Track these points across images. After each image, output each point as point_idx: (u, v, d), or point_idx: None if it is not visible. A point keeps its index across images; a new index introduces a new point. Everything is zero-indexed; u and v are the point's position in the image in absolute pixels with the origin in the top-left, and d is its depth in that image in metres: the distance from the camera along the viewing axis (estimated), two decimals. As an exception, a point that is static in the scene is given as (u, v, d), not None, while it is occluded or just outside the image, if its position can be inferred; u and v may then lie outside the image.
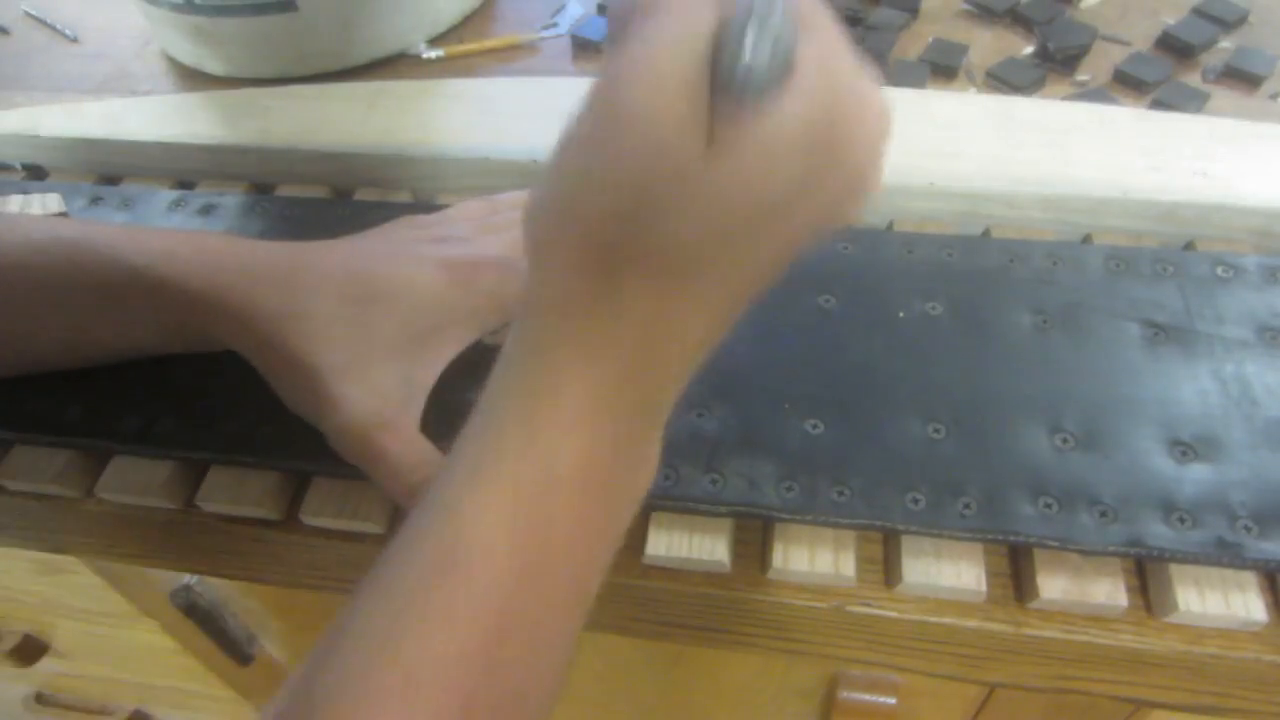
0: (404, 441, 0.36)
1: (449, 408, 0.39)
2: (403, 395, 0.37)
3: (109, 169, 0.57)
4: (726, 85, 0.23)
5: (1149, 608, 0.36)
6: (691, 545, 0.37)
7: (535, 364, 0.27)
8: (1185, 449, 0.37)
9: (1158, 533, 0.35)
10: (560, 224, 0.25)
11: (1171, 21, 0.59)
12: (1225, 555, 0.34)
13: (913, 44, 0.60)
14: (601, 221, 0.24)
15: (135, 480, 0.41)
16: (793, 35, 0.24)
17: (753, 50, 0.23)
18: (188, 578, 0.59)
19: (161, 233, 0.41)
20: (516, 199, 0.45)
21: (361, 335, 0.37)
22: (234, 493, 0.40)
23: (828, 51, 0.24)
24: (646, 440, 0.29)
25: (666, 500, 0.37)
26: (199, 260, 0.38)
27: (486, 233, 0.42)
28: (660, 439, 0.30)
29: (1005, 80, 0.56)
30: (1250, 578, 0.35)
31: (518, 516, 0.25)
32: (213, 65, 0.63)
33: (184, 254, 0.38)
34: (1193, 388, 0.39)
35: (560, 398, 0.26)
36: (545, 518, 0.26)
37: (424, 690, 0.23)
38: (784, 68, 0.23)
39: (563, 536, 0.26)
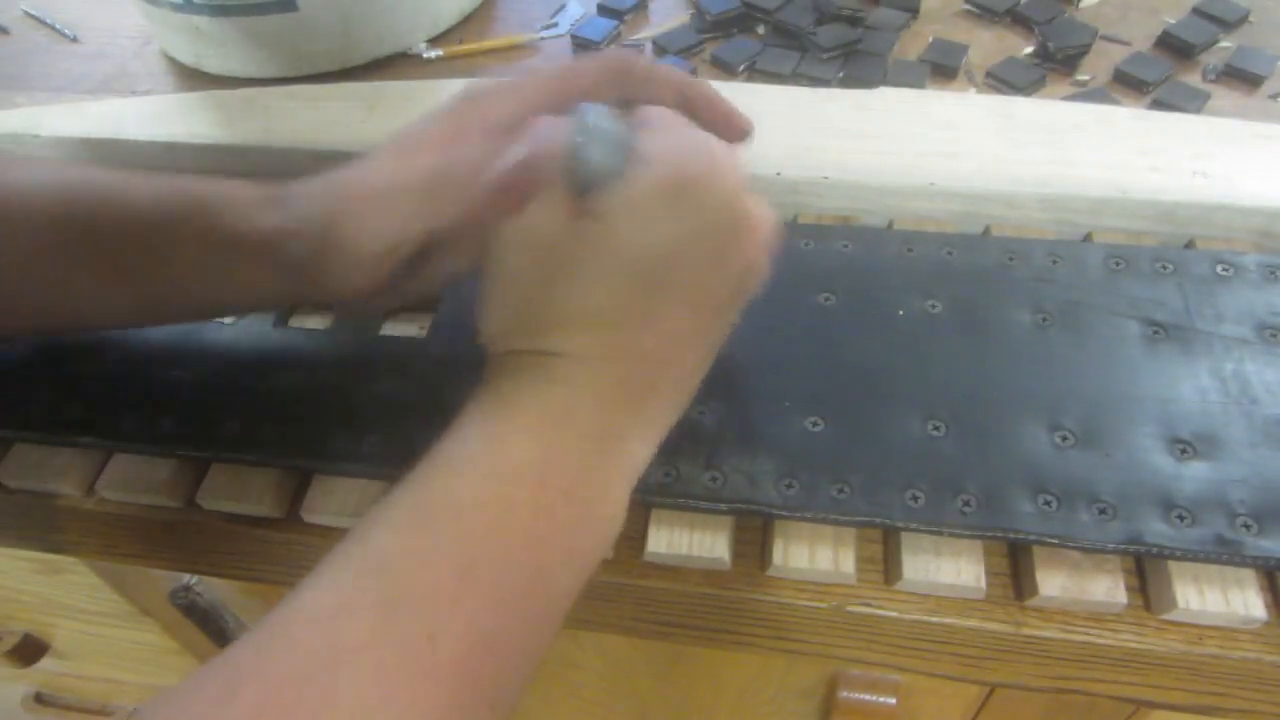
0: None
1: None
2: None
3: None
4: (575, 188, 0.30)
5: (1148, 605, 0.36)
6: (691, 542, 0.37)
7: (493, 390, 0.31)
8: (1185, 447, 0.37)
9: (1157, 530, 0.35)
10: (492, 308, 0.32)
11: (1171, 21, 0.59)
12: (1224, 553, 0.34)
13: (913, 44, 0.60)
14: (514, 298, 0.31)
15: (136, 478, 0.41)
16: (625, 139, 0.30)
17: (594, 161, 0.29)
18: (188, 578, 0.59)
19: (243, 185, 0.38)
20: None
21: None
22: (235, 490, 0.40)
23: (670, 138, 0.30)
24: (606, 471, 0.32)
25: (666, 498, 0.37)
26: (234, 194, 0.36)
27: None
28: (630, 486, 0.33)
29: (1005, 80, 0.56)
30: (1249, 575, 0.35)
31: (480, 493, 0.29)
32: (213, 65, 0.63)
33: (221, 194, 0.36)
34: (1192, 386, 0.39)
35: (514, 410, 0.30)
36: (506, 500, 0.29)
37: (395, 619, 0.26)
38: (623, 162, 0.30)
39: (523, 522, 0.29)
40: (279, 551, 0.42)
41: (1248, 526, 0.35)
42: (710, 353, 0.35)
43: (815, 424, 0.39)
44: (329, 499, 0.40)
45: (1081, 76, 0.57)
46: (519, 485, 0.29)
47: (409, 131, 0.36)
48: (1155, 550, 0.34)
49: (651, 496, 0.37)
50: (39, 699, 0.88)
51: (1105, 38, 0.59)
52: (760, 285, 0.34)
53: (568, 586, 0.30)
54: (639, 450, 0.33)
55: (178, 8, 0.59)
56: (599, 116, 0.30)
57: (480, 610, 0.27)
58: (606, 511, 0.32)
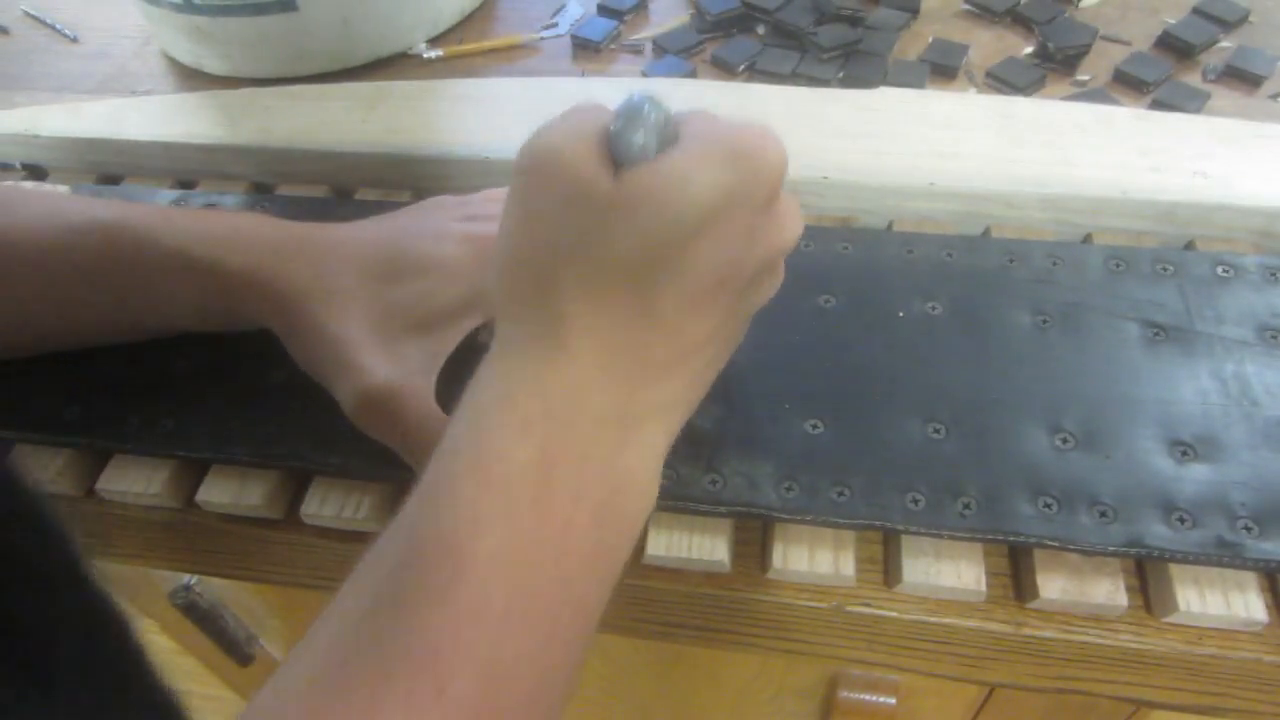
0: (421, 406, 0.36)
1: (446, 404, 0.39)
2: (422, 364, 0.37)
3: (109, 169, 0.57)
4: (621, 164, 0.28)
5: (1149, 608, 0.36)
6: (691, 545, 0.37)
7: (489, 380, 0.29)
8: (1185, 449, 0.37)
9: (1157, 533, 0.35)
10: (508, 264, 0.29)
11: (1171, 21, 0.59)
12: (1225, 555, 0.34)
13: (913, 44, 0.60)
14: (536, 249, 0.28)
15: (135, 479, 0.41)
16: (669, 121, 0.29)
17: (636, 144, 0.28)
18: (188, 578, 0.59)
19: (196, 213, 0.42)
20: None
21: (384, 309, 0.37)
22: (234, 492, 0.40)
23: (709, 121, 0.29)
24: (624, 459, 0.29)
25: (666, 500, 0.37)
26: (233, 241, 0.39)
27: None
28: (656, 470, 0.31)
29: (1005, 80, 0.56)
30: (1250, 578, 0.35)
31: (478, 513, 0.26)
32: (213, 65, 0.63)
33: (218, 235, 0.39)
34: (1193, 387, 0.39)
35: (513, 401, 0.28)
36: (507, 515, 0.26)
37: (394, 682, 0.24)
38: (667, 141, 0.29)
39: (531, 536, 0.27)
40: (279, 551, 0.42)
41: (1248, 529, 0.35)
42: (727, 346, 0.33)
43: (815, 426, 0.38)
44: (328, 499, 0.40)
45: (1081, 76, 0.57)
46: (519, 495, 0.27)
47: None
48: (1156, 553, 0.34)
49: (651, 498, 0.37)
50: (39, 698, 0.87)
51: (1105, 38, 0.59)
52: (775, 291, 0.33)
53: (596, 593, 0.29)
54: (657, 436, 0.30)
55: (178, 8, 0.59)
56: (646, 103, 0.29)
57: (495, 645, 0.25)
58: (630, 505, 0.30)
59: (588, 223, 0.28)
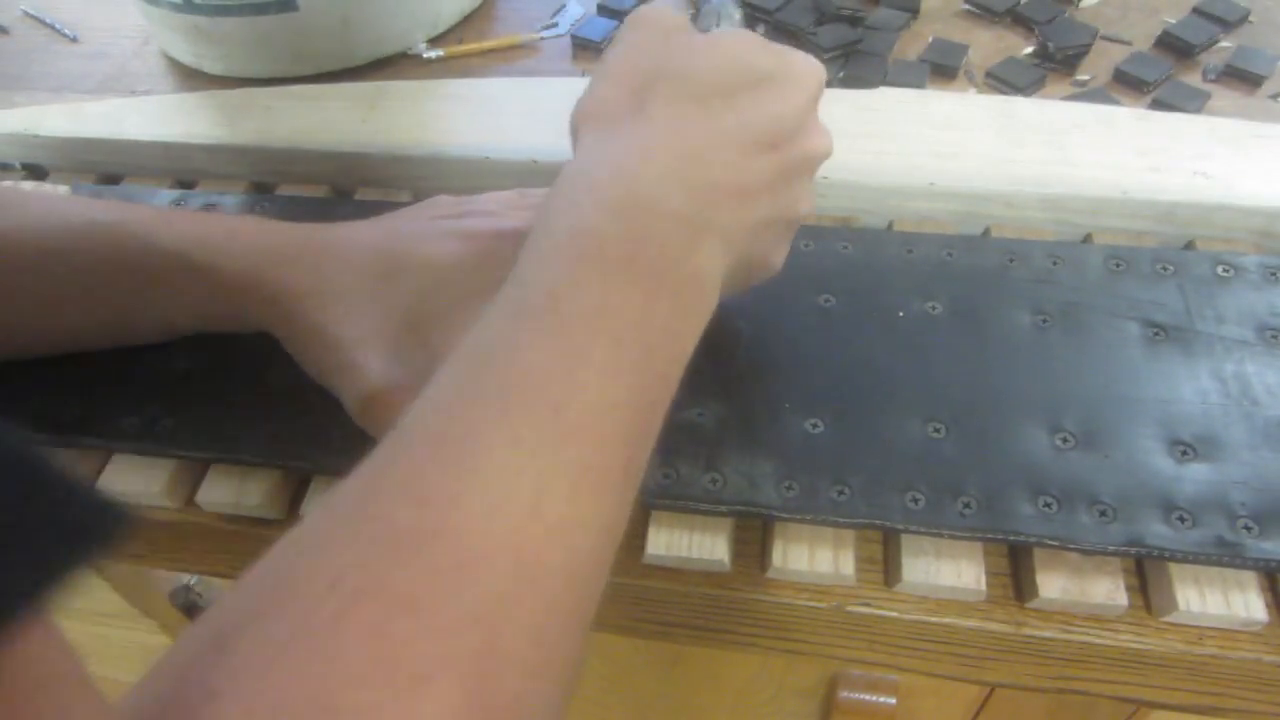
0: None
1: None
2: (424, 363, 0.38)
3: (109, 169, 0.57)
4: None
5: (1149, 607, 0.36)
6: (691, 544, 0.37)
7: (575, 174, 0.32)
8: (1185, 448, 0.37)
9: (1157, 532, 0.35)
10: (608, 79, 0.35)
11: (1172, 21, 0.59)
12: (1225, 555, 0.34)
13: (913, 44, 0.60)
14: (636, 66, 0.34)
15: (135, 480, 0.41)
16: (739, 12, 0.40)
17: (722, 17, 0.39)
18: (188, 578, 0.59)
19: (196, 216, 0.42)
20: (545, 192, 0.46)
21: (384, 308, 0.38)
22: (234, 492, 0.40)
23: None
24: (694, 258, 0.32)
25: (666, 499, 0.37)
26: (232, 244, 0.39)
27: (514, 210, 0.43)
28: (717, 281, 0.33)
29: (1005, 80, 0.56)
30: (1250, 577, 0.35)
31: (575, 277, 0.30)
32: (212, 65, 0.63)
33: (218, 238, 0.39)
34: (1193, 387, 0.39)
35: (600, 191, 0.31)
36: (602, 277, 0.30)
37: (516, 397, 0.27)
38: (734, 24, 0.40)
39: (620, 299, 0.30)
40: (279, 552, 0.42)
41: (1248, 528, 0.35)
42: (776, 233, 0.36)
43: (815, 426, 0.39)
44: (329, 500, 0.40)
45: (1081, 76, 0.57)
46: (612, 262, 0.30)
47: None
48: (1156, 552, 0.34)
49: (651, 498, 0.37)
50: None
51: (1105, 38, 0.59)
52: (809, 207, 0.36)
53: (671, 371, 0.31)
54: (720, 251, 0.33)
55: (178, 8, 0.59)
56: (724, 4, 0.38)
57: (596, 380, 0.28)
58: (697, 302, 0.32)
59: (678, 53, 0.34)
